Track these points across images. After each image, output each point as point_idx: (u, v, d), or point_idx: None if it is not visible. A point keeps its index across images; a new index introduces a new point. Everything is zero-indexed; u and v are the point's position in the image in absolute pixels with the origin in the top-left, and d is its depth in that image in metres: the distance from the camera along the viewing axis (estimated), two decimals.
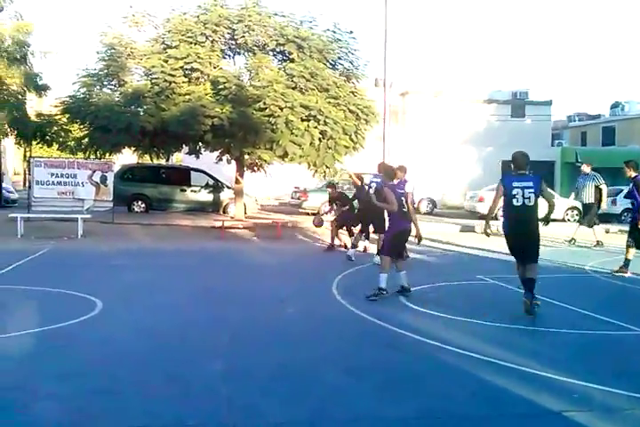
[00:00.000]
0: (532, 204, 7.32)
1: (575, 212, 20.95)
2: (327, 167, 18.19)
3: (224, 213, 21.59)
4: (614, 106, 42.57)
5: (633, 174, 10.48)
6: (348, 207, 13.27)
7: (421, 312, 7.60)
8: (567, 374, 5.23)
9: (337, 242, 13.41)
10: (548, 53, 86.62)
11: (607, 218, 19.15)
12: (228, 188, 21.94)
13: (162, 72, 17.46)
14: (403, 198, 8.66)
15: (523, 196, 7.29)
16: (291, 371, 5.33)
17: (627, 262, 10.42)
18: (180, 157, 31.23)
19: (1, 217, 16.90)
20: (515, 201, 7.33)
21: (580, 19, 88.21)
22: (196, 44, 18.02)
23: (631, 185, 10.59)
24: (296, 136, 17.28)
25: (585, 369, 5.46)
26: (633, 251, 10.44)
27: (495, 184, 8.13)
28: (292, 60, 18.33)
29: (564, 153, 32.65)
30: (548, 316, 7.56)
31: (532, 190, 7.31)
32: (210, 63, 17.98)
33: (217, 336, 6.36)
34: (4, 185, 22.81)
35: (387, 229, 8.93)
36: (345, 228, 13.24)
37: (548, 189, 7.86)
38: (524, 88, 36.25)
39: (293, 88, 17.69)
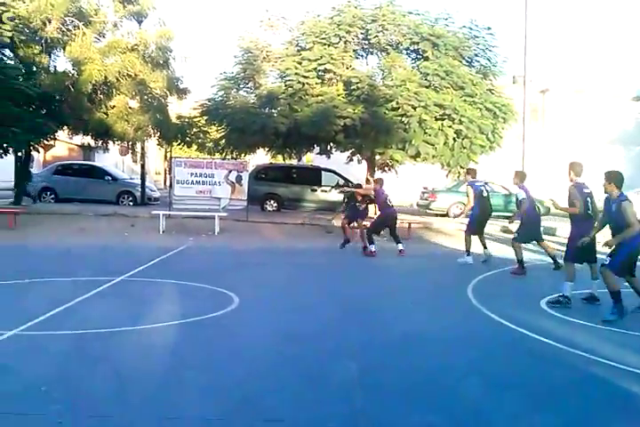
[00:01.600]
0: None
1: None
2: (462, 167, 17.66)
3: None
4: None
5: None
6: (364, 206, 13.68)
7: (565, 320, 7.15)
8: None
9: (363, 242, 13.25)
10: None
11: None
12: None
13: (296, 74, 17.70)
14: (589, 199, 8.01)
15: None
16: (427, 380, 5.12)
17: None
18: (311, 157, 31.66)
19: (145, 214, 17.90)
20: None
21: None
22: (329, 45, 18.13)
23: None
24: (429, 136, 16.96)
25: None
26: None
27: None
28: (427, 59, 18.00)
29: None
30: None
31: None
32: (342, 64, 18.02)
33: (351, 338, 6.25)
34: (146, 184, 24.08)
35: (570, 233, 8.24)
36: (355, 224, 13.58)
37: None
38: None
39: (427, 87, 17.36)
